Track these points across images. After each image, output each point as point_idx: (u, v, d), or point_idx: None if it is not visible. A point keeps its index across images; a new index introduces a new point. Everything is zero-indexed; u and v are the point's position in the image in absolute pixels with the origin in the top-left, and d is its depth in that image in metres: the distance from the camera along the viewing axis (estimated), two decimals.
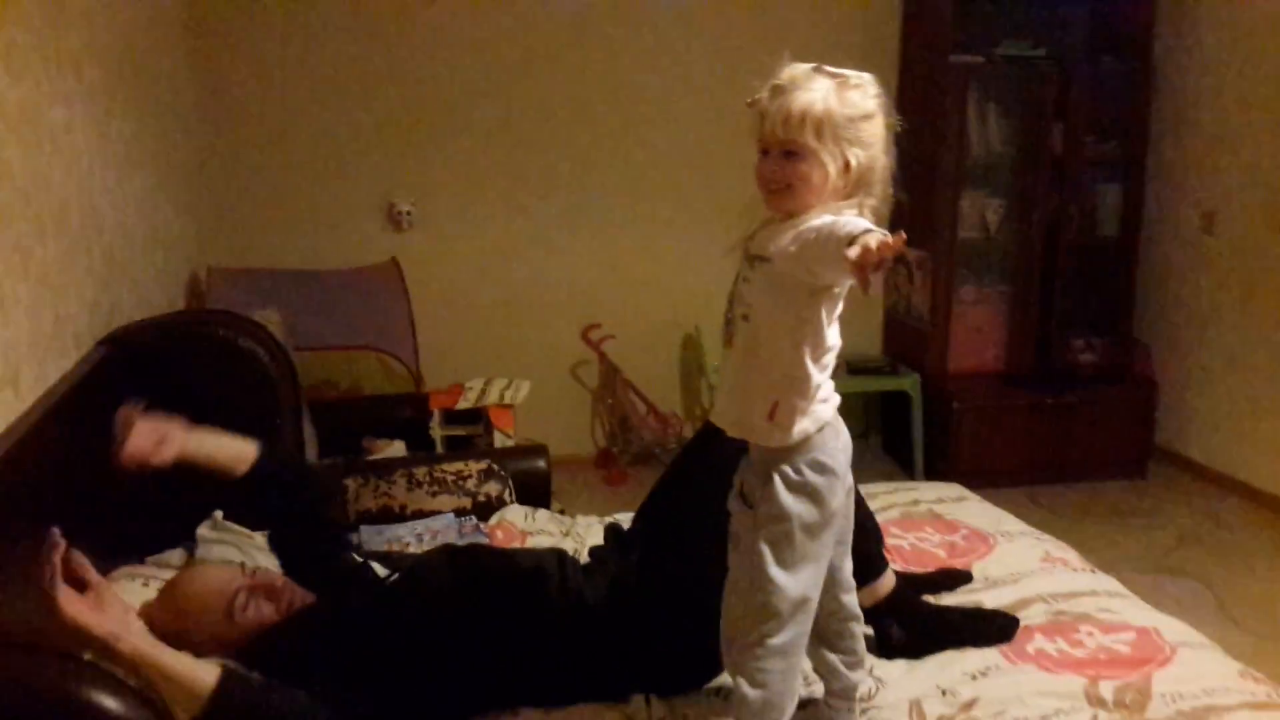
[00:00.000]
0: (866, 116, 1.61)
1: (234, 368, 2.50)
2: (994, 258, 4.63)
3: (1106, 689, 1.96)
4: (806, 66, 1.63)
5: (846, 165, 1.59)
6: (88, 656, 1.07)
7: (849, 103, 1.60)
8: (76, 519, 1.79)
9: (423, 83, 4.35)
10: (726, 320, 1.73)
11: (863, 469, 3.02)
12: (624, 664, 2.07)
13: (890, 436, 4.91)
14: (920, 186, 4.57)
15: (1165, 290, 4.70)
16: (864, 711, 1.93)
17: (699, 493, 2.18)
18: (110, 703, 1.04)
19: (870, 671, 2.05)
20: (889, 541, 2.60)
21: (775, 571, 1.64)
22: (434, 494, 2.74)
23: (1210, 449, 4.53)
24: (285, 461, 2.22)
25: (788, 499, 1.64)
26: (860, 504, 2.20)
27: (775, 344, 1.64)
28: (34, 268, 2.03)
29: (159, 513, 2.26)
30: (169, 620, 1.88)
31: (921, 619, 2.15)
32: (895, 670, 2.07)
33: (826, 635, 1.84)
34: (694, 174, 4.61)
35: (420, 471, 2.78)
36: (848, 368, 4.53)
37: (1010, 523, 2.75)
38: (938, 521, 2.76)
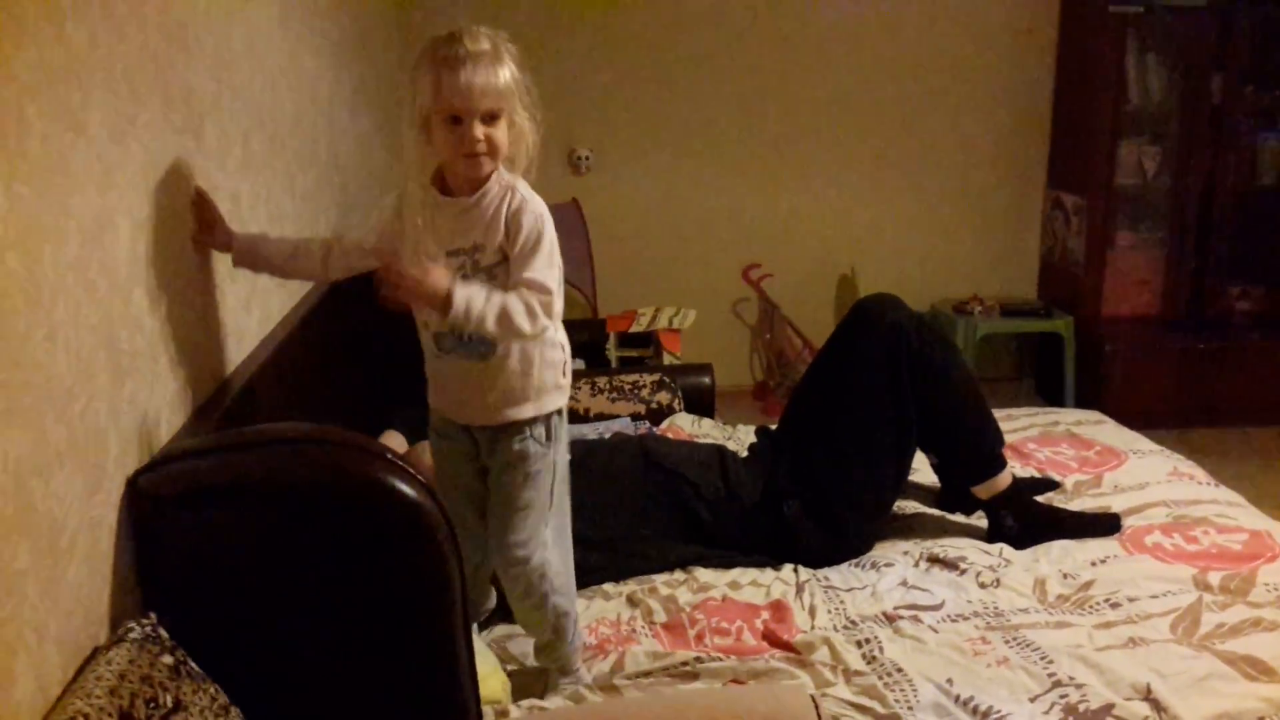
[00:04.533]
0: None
1: None
2: (1150, 204, 4.69)
3: (1214, 578, 2.17)
4: (489, 31, 1.72)
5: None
6: (389, 454, 1.46)
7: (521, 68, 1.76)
8: (322, 400, 2.22)
9: (601, 39, 4.68)
10: None
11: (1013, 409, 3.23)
12: (774, 543, 2.39)
13: (1043, 379, 5.03)
14: (1078, 133, 4.68)
15: None
16: (995, 583, 2.20)
17: (833, 395, 2.48)
18: (403, 486, 1.42)
19: (1000, 553, 2.32)
20: (1024, 451, 2.85)
21: None
22: (613, 400, 3.11)
23: None
24: None
25: None
26: (981, 403, 2.44)
27: None
28: (297, 189, 2.47)
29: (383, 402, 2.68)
30: None
31: (1032, 513, 2.40)
32: (1024, 555, 2.33)
33: None
34: (850, 121, 4.82)
35: (601, 380, 3.15)
36: (1001, 310, 4.70)
37: (1143, 443, 2.93)
38: (1074, 439, 2.96)
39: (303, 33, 2.60)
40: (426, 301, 1.70)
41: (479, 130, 1.69)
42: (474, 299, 1.68)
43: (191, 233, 1.75)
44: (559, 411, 1.90)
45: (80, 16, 1.35)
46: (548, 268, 1.76)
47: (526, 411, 1.85)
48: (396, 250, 1.78)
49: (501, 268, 1.77)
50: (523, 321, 1.71)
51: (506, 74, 1.70)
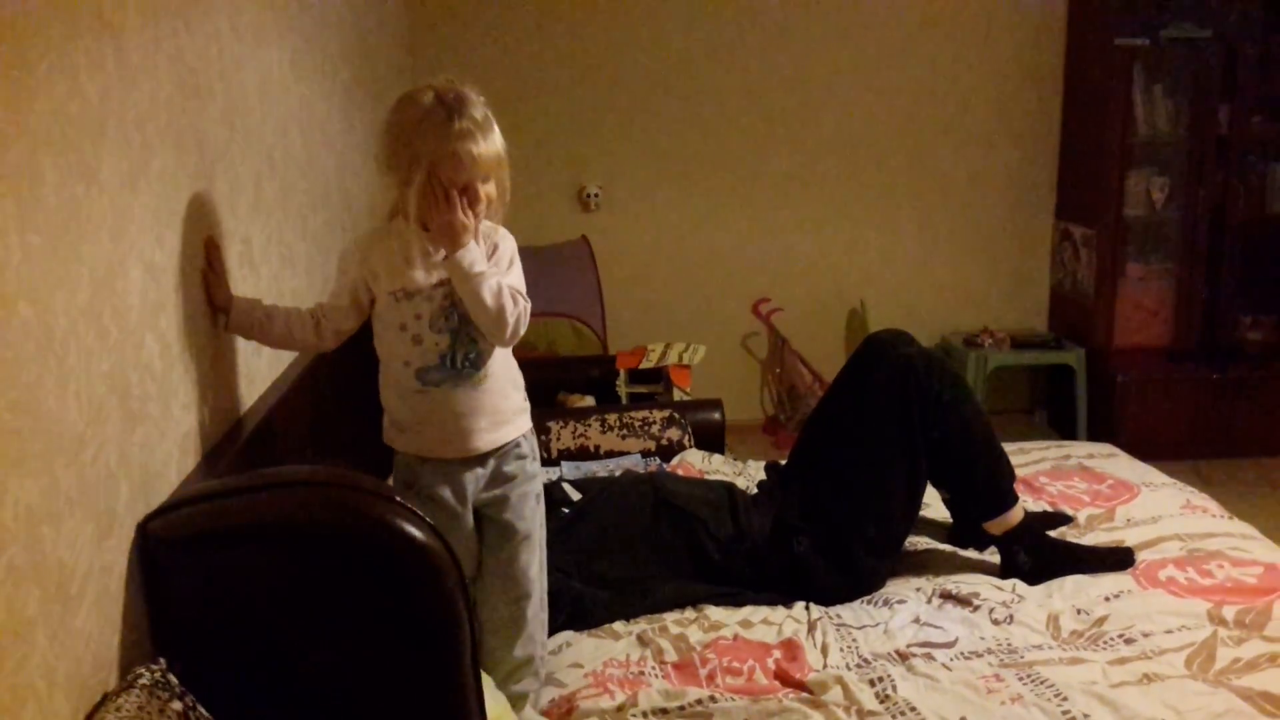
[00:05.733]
0: None
1: None
2: (1160, 235, 4.69)
3: (1229, 612, 2.15)
4: (474, 96, 1.83)
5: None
6: (398, 497, 1.46)
7: None
8: (331, 441, 2.23)
9: (608, 78, 4.73)
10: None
11: (1025, 443, 3.22)
12: (785, 581, 2.38)
13: (1055, 410, 5.02)
14: (1086, 164, 4.69)
15: None
16: (1009, 619, 2.19)
17: (844, 431, 2.48)
18: (412, 529, 1.42)
19: (1013, 589, 2.31)
20: (1036, 486, 2.84)
21: None
22: (623, 436, 3.12)
23: None
24: None
25: None
26: (992, 439, 2.45)
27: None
28: (309, 231, 2.49)
29: None
30: None
31: (1045, 548, 2.39)
32: (1036, 591, 2.31)
33: None
34: (859, 155, 4.85)
35: (611, 417, 3.16)
36: (1012, 341, 4.70)
37: (1156, 476, 2.91)
38: (1086, 473, 2.95)
39: (314, 77, 2.63)
40: (452, 233, 1.76)
41: (480, 192, 1.79)
42: (480, 260, 1.79)
43: (202, 271, 1.76)
44: (530, 431, 2.02)
45: (94, 68, 1.37)
46: (521, 285, 1.88)
47: (510, 433, 1.95)
48: (374, 295, 1.88)
49: None
50: (509, 304, 1.80)
51: (497, 141, 1.80)
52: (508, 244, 1.92)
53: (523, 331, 1.86)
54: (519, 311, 1.83)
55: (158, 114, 1.59)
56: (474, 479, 1.93)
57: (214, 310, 1.80)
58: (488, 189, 1.80)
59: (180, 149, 1.68)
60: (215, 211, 1.84)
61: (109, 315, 1.39)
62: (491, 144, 1.78)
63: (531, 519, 1.99)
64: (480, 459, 1.92)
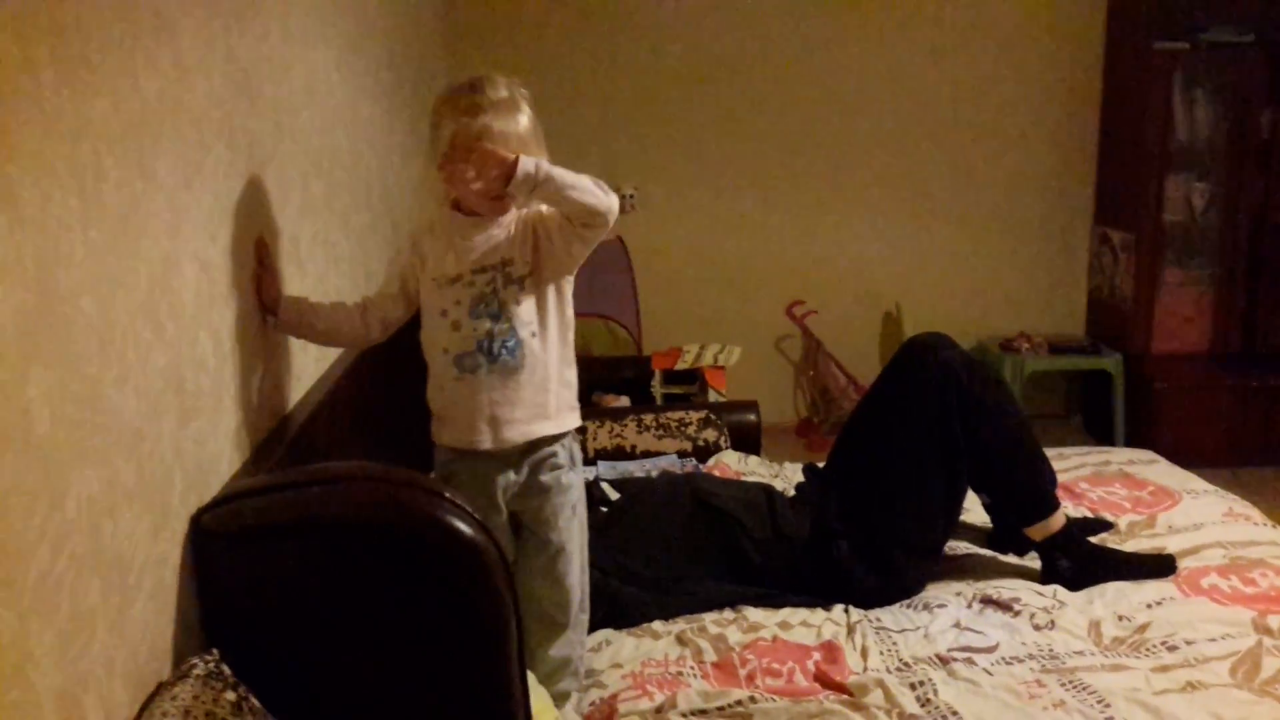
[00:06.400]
0: None
1: None
2: (1199, 241, 4.64)
3: (1274, 621, 2.12)
4: (505, 79, 1.86)
5: None
6: (447, 493, 1.48)
7: None
8: (377, 436, 2.25)
9: (644, 79, 4.74)
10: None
11: (1064, 448, 3.20)
12: (824, 583, 2.38)
13: (1092, 417, 4.98)
14: (1124, 169, 4.66)
15: None
16: (1050, 625, 2.17)
17: (883, 434, 2.48)
18: (461, 525, 1.44)
19: (1054, 595, 2.30)
20: (1077, 491, 2.82)
21: None
22: (659, 437, 3.12)
23: None
24: None
25: None
26: (1034, 443, 2.44)
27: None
28: (352, 230, 2.51)
29: None
30: None
31: (1086, 554, 2.37)
32: (1078, 597, 2.30)
33: None
34: (894, 157, 4.84)
35: (648, 418, 3.17)
36: (1050, 346, 4.67)
37: (1197, 483, 2.89)
38: (1127, 479, 2.93)
39: (359, 77, 2.65)
40: (497, 165, 1.74)
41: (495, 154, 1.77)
42: (540, 161, 1.75)
43: (254, 271, 1.79)
44: (576, 435, 1.99)
45: (152, 68, 1.39)
46: None
47: (550, 428, 1.91)
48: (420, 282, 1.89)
49: (532, 278, 1.86)
50: (594, 187, 1.77)
51: (525, 120, 1.80)
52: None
53: (613, 206, 1.80)
54: (604, 191, 1.78)
55: (211, 113, 1.61)
56: (505, 483, 1.92)
57: (263, 309, 1.82)
58: None
59: (233, 148, 1.70)
60: (266, 210, 1.86)
61: (165, 311, 1.41)
62: (511, 123, 1.78)
63: (567, 531, 1.97)
64: (514, 459, 1.91)
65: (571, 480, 1.98)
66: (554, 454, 1.94)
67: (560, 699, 1.95)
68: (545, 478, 1.94)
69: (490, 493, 1.91)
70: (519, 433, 1.89)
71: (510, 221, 1.87)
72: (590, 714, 1.97)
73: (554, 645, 1.98)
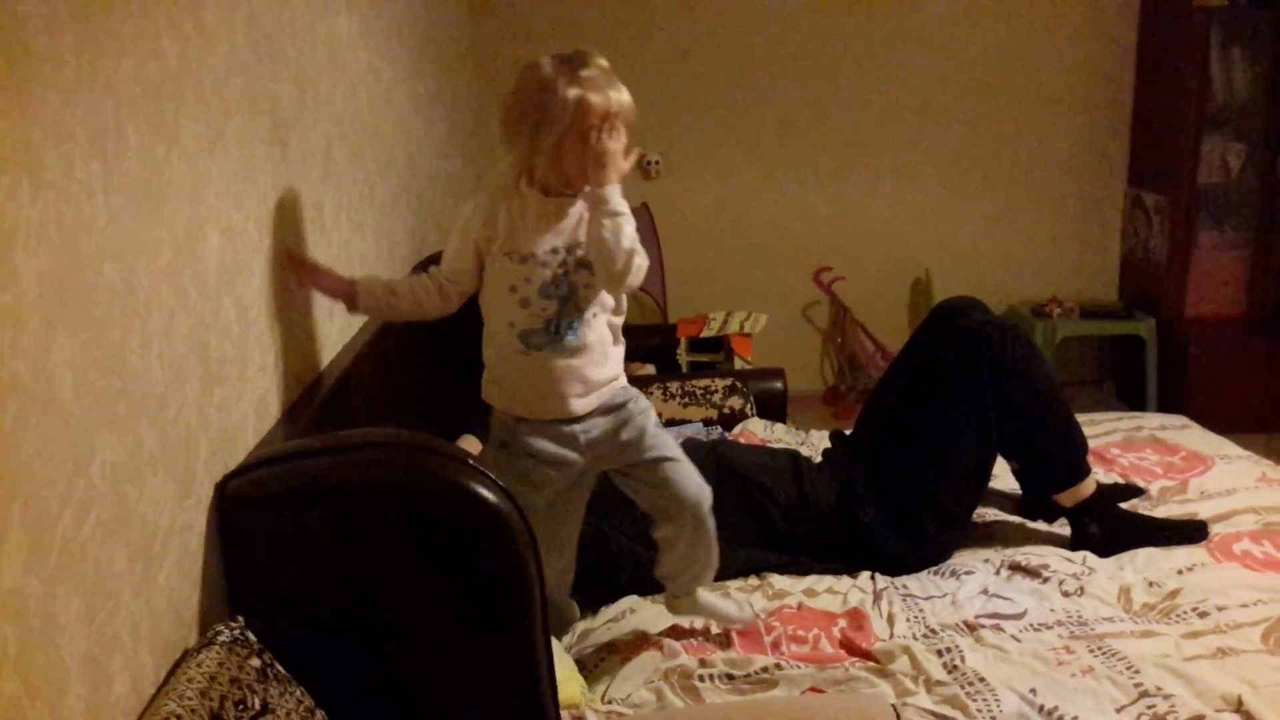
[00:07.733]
0: None
1: None
2: (1235, 203, 4.56)
3: None
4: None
5: None
6: (471, 460, 1.47)
7: None
8: (401, 404, 2.25)
9: (669, 45, 4.69)
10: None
11: (1095, 414, 3.17)
12: (850, 550, 2.37)
13: (1124, 382, 4.93)
14: (1159, 131, 4.58)
15: None
16: (1079, 591, 2.15)
17: (913, 400, 2.45)
18: (486, 492, 1.43)
19: (1084, 561, 2.28)
20: (1108, 457, 2.79)
21: None
22: (685, 405, 3.11)
23: None
24: None
25: None
26: (1065, 409, 2.41)
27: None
28: (376, 198, 2.50)
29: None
30: None
31: (1116, 520, 2.35)
32: (1108, 563, 2.28)
33: None
34: (923, 120, 4.77)
35: (673, 385, 3.16)
36: (1081, 311, 4.62)
37: (1230, 448, 2.85)
38: (1159, 445, 2.90)
39: (382, 43, 2.64)
40: (601, 163, 1.77)
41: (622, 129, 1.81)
42: (623, 201, 1.80)
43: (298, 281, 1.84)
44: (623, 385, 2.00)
45: (174, 31, 1.38)
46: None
47: (608, 394, 1.93)
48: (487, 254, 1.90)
49: None
50: (639, 251, 1.81)
51: (626, 93, 1.82)
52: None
53: (636, 284, 1.85)
54: (642, 264, 1.82)
55: (234, 77, 1.60)
56: (581, 430, 1.93)
57: (341, 302, 1.88)
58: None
59: (255, 113, 1.69)
60: (289, 176, 1.85)
61: (189, 277, 1.40)
62: (623, 93, 1.80)
63: (657, 440, 1.97)
64: (577, 419, 1.93)
65: (642, 405, 1.99)
66: (615, 399, 1.96)
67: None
68: (619, 415, 1.95)
69: (561, 437, 1.92)
70: (579, 406, 1.91)
71: (581, 210, 1.87)
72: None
73: (699, 547, 2.00)
